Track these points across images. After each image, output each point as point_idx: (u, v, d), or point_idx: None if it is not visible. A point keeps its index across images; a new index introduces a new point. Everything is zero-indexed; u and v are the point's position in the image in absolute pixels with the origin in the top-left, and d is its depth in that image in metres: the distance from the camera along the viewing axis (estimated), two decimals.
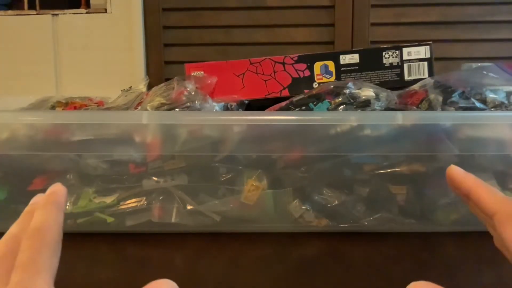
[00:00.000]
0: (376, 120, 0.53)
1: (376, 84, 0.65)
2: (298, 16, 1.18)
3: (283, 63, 0.71)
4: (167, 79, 1.23)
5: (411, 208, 0.57)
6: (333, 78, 0.68)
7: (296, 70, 0.70)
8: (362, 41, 1.16)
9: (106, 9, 1.20)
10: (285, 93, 0.71)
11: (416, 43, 0.69)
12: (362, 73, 0.68)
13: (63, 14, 1.20)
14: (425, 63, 0.67)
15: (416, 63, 0.67)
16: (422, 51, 0.67)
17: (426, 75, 0.67)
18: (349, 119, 0.54)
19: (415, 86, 0.65)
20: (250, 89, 0.72)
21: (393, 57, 0.66)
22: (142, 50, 1.19)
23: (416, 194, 0.57)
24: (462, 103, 0.57)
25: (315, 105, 0.59)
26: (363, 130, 0.53)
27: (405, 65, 0.67)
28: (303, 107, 0.61)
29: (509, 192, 0.56)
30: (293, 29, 1.19)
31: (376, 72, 0.67)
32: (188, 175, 0.62)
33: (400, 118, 0.51)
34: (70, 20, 1.20)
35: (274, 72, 0.70)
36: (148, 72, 1.21)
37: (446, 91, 0.61)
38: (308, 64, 0.70)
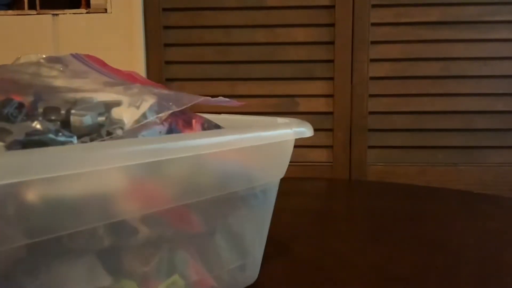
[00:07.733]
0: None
1: None
2: (298, 16, 1.18)
3: None
4: (167, 79, 1.23)
5: None
6: None
7: None
8: (362, 41, 1.16)
9: (106, 9, 1.20)
10: None
11: None
12: None
13: (63, 14, 1.20)
14: None
15: None
16: None
17: None
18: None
19: None
20: None
21: None
22: (142, 50, 1.19)
23: None
24: (36, 134, 0.28)
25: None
26: None
27: None
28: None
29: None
30: (293, 29, 1.19)
31: None
32: None
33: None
34: (70, 20, 1.20)
35: None
36: (148, 72, 1.21)
37: None
38: None
